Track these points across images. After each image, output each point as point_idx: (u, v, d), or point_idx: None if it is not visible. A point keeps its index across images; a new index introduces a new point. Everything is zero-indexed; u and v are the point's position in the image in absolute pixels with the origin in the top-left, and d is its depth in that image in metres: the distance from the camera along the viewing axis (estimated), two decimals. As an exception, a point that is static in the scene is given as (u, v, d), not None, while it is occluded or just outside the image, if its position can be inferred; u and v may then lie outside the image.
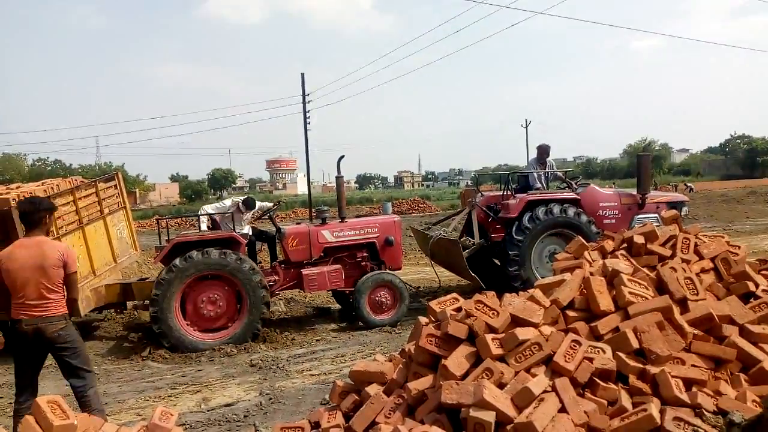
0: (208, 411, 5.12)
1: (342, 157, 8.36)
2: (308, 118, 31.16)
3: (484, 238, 9.12)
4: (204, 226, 8.24)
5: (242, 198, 8.48)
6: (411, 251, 14.94)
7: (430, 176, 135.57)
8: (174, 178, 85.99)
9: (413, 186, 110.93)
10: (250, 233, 8.21)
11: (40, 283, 3.87)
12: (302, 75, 31.10)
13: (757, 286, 3.47)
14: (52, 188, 7.48)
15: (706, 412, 2.56)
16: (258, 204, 8.62)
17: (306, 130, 30.87)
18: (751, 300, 3.39)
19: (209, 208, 8.61)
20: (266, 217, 8.54)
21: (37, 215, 4.02)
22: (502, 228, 8.97)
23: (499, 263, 9.11)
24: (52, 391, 5.55)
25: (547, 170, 9.72)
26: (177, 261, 7.05)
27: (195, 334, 7.16)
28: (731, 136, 78.75)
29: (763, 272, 3.77)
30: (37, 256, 3.89)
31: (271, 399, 5.29)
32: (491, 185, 17.39)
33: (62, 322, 3.99)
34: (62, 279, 3.97)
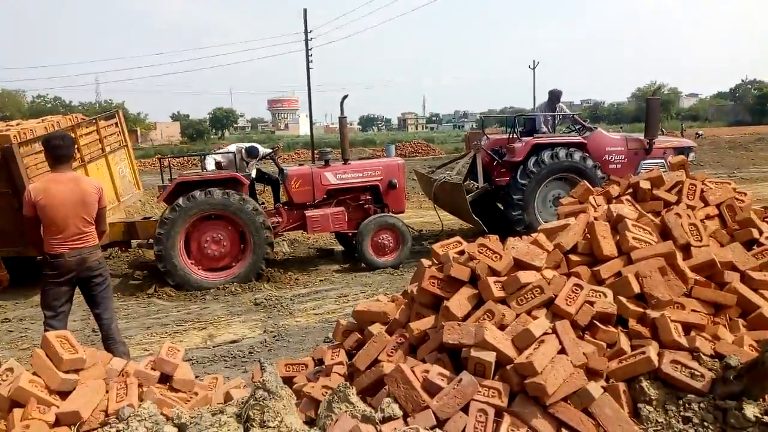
0: (213, 347, 5.25)
1: (345, 97, 8.22)
2: (311, 56, 30.51)
3: (488, 182, 9.08)
4: (210, 167, 8.20)
5: (246, 146, 8.34)
6: (414, 194, 14.93)
7: (434, 119, 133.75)
8: (175, 117, 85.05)
9: (417, 128, 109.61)
10: (253, 174, 8.17)
11: (81, 217, 3.97)
12: (304, 11, 30.23)
13: (761, 233, 3.46)
14: (53, 125, 7.40)
15: (703, 356, 2.59)
16: (260, 151, 8.54)
17: (308, 69, 30.32)
18: (755, 247, 3.38)
19: (215, 156, 8.56)
20: (269, 158, 8.48)
21: (68, 150, 4.06)
22: (507, 172, 8.91)
23: (502, 207, 9.10)
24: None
25: (555, 114, 9.56)
26: (180, 200, 7.07)
27: (199, 272, 7.25)
28: (742, 81, 77.15)
29: (767, 220, 3.75)
30: (77, 191, 3.97)
31: (275, 336, 5.41)
32: (496, 128, 17.18)
33: (99, 251, 4.16)
34: (96, 212, 4.08)
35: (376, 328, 3.30)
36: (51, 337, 2.78)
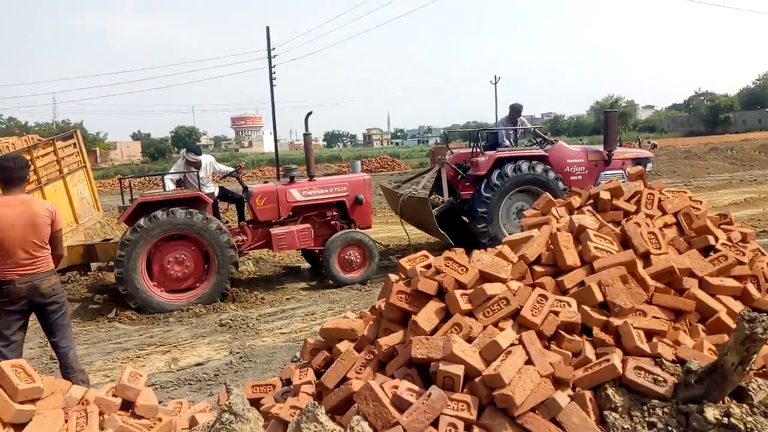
0: (177, 371, 5.12)
1: (310, 113, 8.22)
2: (274, 73, 30.43)
3: (453, 196, 9.16)
4: (170, 187, 8.04)
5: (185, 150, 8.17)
6: (381, 209, 14.96)
7: (399, 134, 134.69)
8: (136, 137, 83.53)
9: (382, 144, 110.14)
10: (216, 193, 8.05)
11: (31, 241, 3.80)
12: (267, 28, 30.21)
13: (716, 239, 3.57)
14: (7, 147, 7.19)
15: (665, 361, 2.65)
16: (219, 167, 8.40)
17: (272, 86, 30.20)
18: (711, 253, 3.49)
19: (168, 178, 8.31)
20: (233, 176, 8.37)
21: (19, 172, 3.91)
22: (471, 185, 9.01)
23: (467, 220, 9.19)
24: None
25: (517, 128, 9.74)
26: (142, 221, 6.92)
27: (162, 294, 7.09)
28: (695, 93, 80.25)
29: (722, 226, 3.88)
30: (27, 214, 3.80)
31: (241, 357, 5.31)
32: (460, 143, 17.40)
33: (54, 277, 3.98)
34: (49, 236, 3.91)
35: (344, 346, 3.27)
36: (5, 366, 2.66)
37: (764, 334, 2.30)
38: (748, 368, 2.42)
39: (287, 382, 3.50)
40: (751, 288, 3.33)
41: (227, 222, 8.50)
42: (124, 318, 6.86)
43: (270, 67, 30.38)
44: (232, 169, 8.46)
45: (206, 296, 7.17)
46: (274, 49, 30.48)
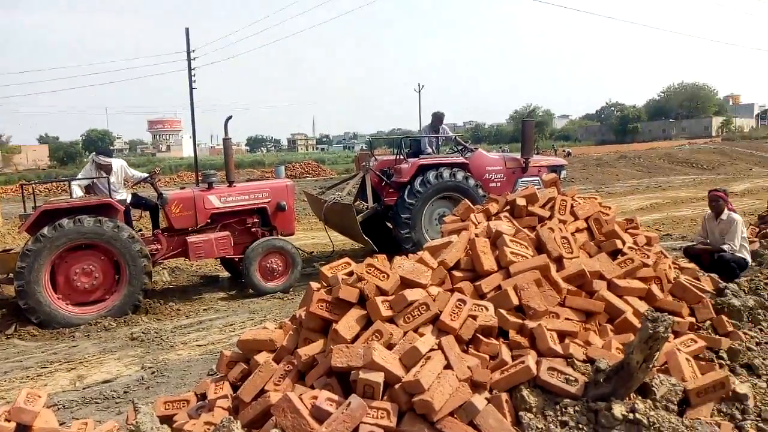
0: (83, 389, 4.79)
1: (230, 117, 7.98)
2: (194, 75, 29.52)
3: (378, 202, 9.19)
4: (78, 193, 7.54)
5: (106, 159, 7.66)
6: (305, 216, 14.78)
7: (324, 139, 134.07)
8: (43, 140, 78.38)
9: (307, 149, 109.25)
10: (128, 200, 7.65)
11: None
12: (187, 30, 29.24)
13: (624, 243, 3.77)
14: None
15: (576, 361, 2.75)
16: (132, 172, 7.98)
17: (191, 89, 29.27)
18: (619, 256, 3.67)
19: (75, 183, 7.77)
20: (147, 182, 7.98)
21: None
22: (395, 192, 9.08)
23: (391, 226, 9.25)
24: None
25: (439, 135, 9.92)
26: (45, 230, 6.45)
27: (68, 308, 6.64)
28: (606, 103, 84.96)
29: (629, 231, 4.10)
30: None
31: (153, 373, 5.05)
32: (385, 149, 17.53)
33: None
34: None
35: (262, 357, 3.17)
36: None
37: (665, 333, 2.43)
38: (651, 365, 2.55)
39: (202, 396, 3.35)
40: (655, 288, 3.53)
41: (141, 230, 8.10)
42: (24, 334, 6.36)
43: (189, 69, 29.43)
44: (145, 175, 8.06)
45: (117, 309, 6.78)
46: (194, 50, 29.56)
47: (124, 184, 7.93)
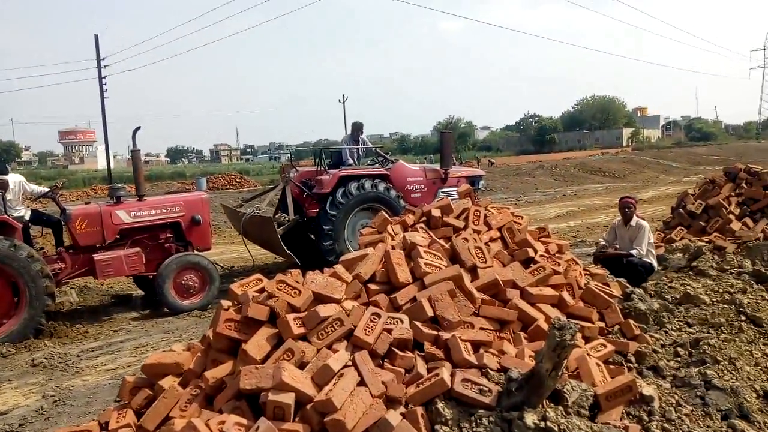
0: (-28, 424, 4.36)
1: (138, 129, 7.60)
2: (105, 84, 28.18)
3: (300, 214, 9.04)
4: None
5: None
6: (226, 229, 14.35)
7: (249, 150, 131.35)
8: (-63, 152, 72.09)
9: (231, 160, 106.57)
10: (27, 216, 7.11)
11: None
12: (96, 36, 27.92)
13: (536, 252, 3.86)
14: None
15: (490, 371, 2.76)
16: (31, 187, 7.45)
17: (102, 98, 27.97)
18: (531, 265, 3.75)
19: None
20: (48, 197, 7.46)
21: None
22: (317, 203, 8.97)
23: (314, 238, 9.12)
24: None
25: (359, 147, 9.92)
26: (-71, 251, 5.87)
27: (-43, 336, 6.06)
28: (525, 115, 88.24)
29: (541, 239, 4.21)
30: None
31: (55, 401, 4.68)
32: (310, 160, 17.34)
33: None
34: None
35: (167, 382, 2.99)
36: None
37: (572, 340, 2.47)
38: (561, 373, 2.59)
39: (106, 425, 3.13)
40: (566, 295, 3.63)
41: (43, 248, 7.55)
42: None
43: (100, 78, 28.08)
44: (46, 189, 7.52)
45: (15, 333, 6.25)
46: (104, 58, 28.26)
47: (21, 200, 7.37)
